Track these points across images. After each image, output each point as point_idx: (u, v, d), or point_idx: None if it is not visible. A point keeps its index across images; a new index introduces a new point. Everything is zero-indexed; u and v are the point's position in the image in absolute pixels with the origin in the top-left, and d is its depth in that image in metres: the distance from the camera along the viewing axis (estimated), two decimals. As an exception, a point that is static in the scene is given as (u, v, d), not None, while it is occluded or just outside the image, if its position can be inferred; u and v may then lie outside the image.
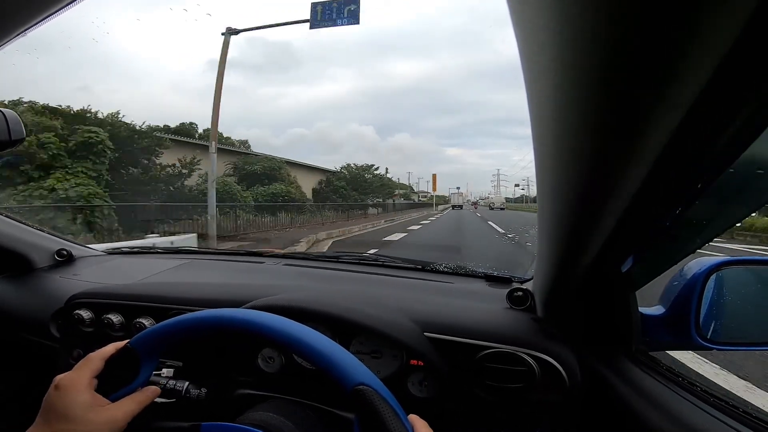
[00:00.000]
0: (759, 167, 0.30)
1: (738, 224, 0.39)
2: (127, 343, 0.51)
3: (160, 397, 0.68)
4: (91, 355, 0.50)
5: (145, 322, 0.79)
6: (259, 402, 0.66)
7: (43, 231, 1.13)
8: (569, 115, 0.28)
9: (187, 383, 0.69)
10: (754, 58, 0.20)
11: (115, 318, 0.81)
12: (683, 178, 0.31)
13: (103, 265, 1.18)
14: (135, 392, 0.49)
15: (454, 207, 50.36)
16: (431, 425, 0.45)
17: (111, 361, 0.50)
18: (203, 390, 0.69)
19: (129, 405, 0.48)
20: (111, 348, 0.51)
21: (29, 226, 1.09)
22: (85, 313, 0.83)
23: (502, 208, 45.39)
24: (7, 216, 1.04)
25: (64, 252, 1.13)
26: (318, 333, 0.46)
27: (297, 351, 0.46)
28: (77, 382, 0.46)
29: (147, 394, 0.51)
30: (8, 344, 0.97)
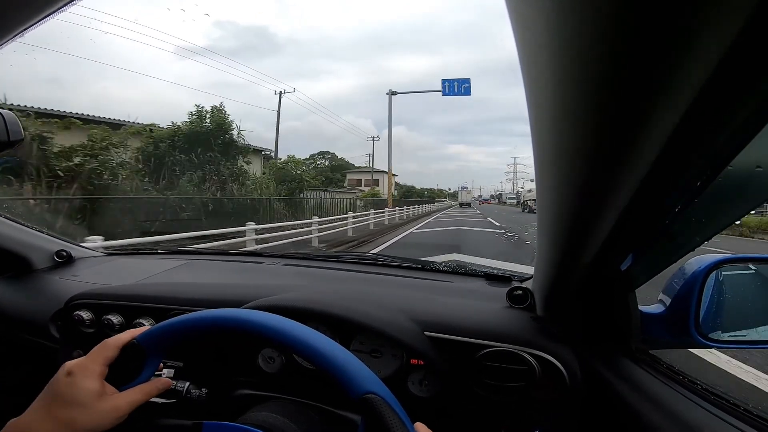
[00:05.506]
0: (758, 164, 0.30)
1: (738, 222, 0.39)
2: (134, 338, 0.50)
3: (160, 397, 0.68)
4: (107, 341, 0.49)
5: (145, 322, 0.79)
6: (259, 402, 0.66)
7: (42, 232, 1.12)
8: (568, 113, 0.28)
9: (187, 384, 0.69)
10: (753, 55, 0.20)
11: (115, 319, 0.81)
12: (683, 176, 0.31)
13: (103, 266, 1.18)
14: (144, 383, 0.49)
15: (461, 204, 51.86)
16: (432, 424, 0.45)
17: (118, 354, 0.49)
18: (204, 390, 0.69)
19: (134, 395, 0.47)
20: (127, 335, 0.50)
21: (28, 227, 1.09)
22: (85, 314, 0.83)
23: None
24: (6, 217, 1.04)
25: (64, 253, 1.12)
26: (326, 337, 0.46)
27: (306, 356, 0.45)
28: (90, 369, 0.46)
29: (155, 385, 0.50)
30: (8, 345, 0.97)
